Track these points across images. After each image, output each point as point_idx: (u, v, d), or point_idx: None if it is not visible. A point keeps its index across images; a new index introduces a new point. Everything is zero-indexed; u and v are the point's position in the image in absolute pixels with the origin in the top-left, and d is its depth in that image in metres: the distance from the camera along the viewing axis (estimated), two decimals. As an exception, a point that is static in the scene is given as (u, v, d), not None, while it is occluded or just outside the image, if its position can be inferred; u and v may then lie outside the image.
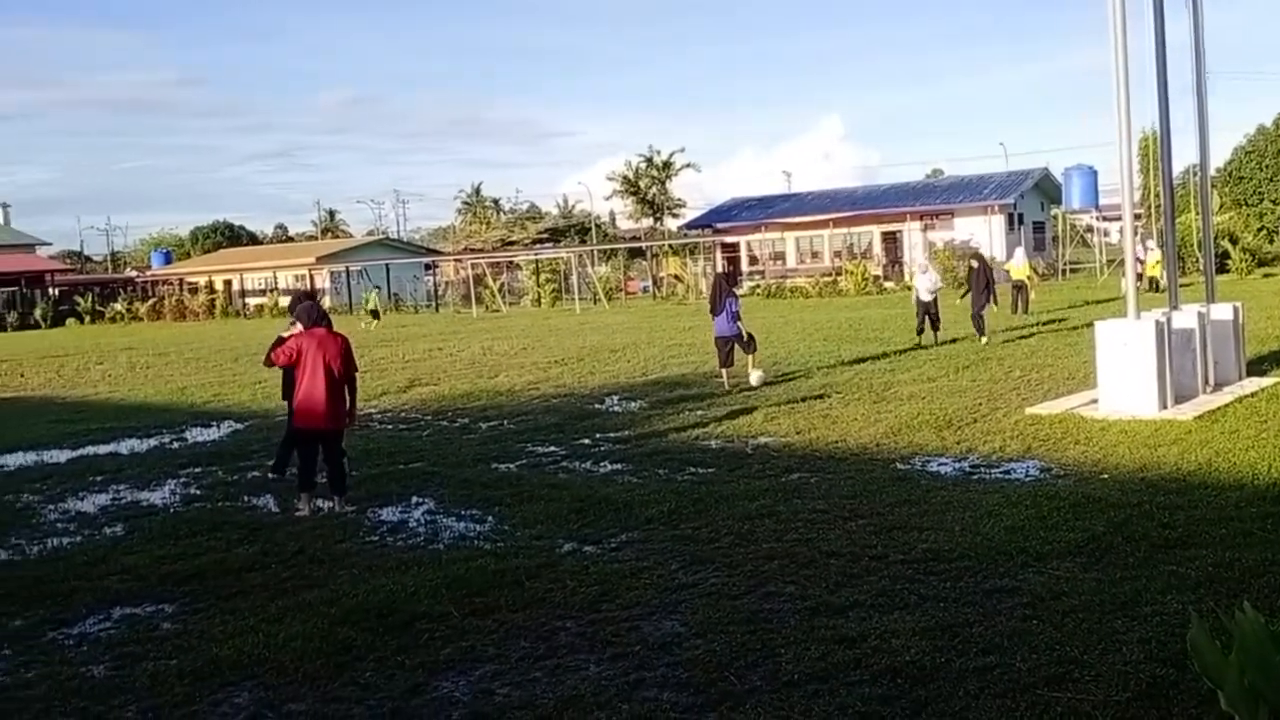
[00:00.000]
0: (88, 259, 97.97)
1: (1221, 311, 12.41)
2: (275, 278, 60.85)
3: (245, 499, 9.12)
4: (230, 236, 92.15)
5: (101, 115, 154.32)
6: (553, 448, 10.75)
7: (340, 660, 5.15)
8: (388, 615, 5.72)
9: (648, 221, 70.39)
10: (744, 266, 49.22)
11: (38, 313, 57.58)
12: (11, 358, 30.10)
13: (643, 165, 66.95)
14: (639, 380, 16.07)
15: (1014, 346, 17.62)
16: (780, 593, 5.81)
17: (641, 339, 23.81)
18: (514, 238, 70.46)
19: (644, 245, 62.04)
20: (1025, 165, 55.28)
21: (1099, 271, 40.02)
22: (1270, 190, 51.93)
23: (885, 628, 5.11)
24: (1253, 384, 11.97)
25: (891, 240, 47.45)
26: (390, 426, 12.81)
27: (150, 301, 59.59)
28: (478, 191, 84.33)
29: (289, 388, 8.74)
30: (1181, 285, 13.87)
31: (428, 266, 61.19)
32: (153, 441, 12.73)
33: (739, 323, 14.43)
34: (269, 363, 8.52)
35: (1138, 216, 31.62)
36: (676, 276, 49.35)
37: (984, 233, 44.08)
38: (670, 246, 55.95)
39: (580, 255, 50.44)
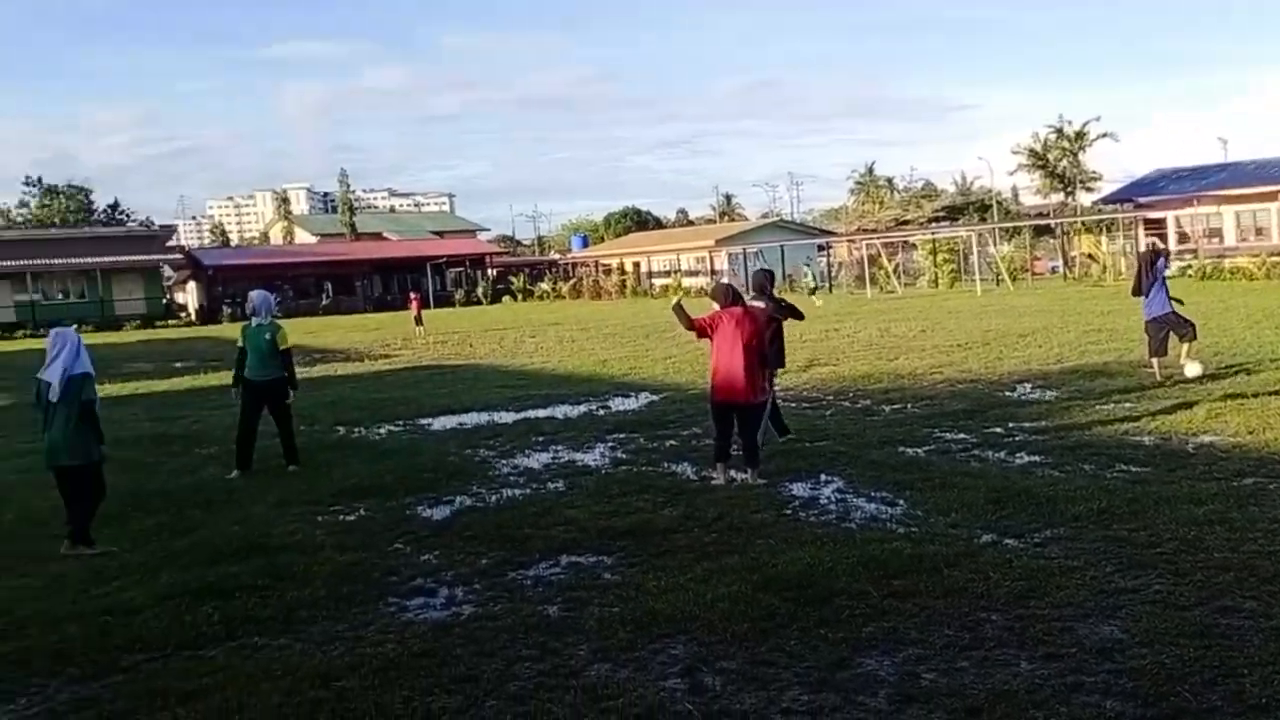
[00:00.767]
0: (518, 243, 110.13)
1: None
2: (678, 260, 64.41)
3: (665, 465, 9.77)
4: (638, 221, 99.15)
5: (527, 112, 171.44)
6: (962, 435, 10.41)
7: (764, 626, 5.38)
8: (806, 587, 5.87)
9: (1057, 197, 65.37)
10: (1172, 244, 44.27)
11: (479, 290, 66.27)
12: (462, 330, 35.03)
13: (1052, 136, 62.04)
14: (1053, 367, 15.07)
15: None
16: (1239, 608, 5.23)
17: (1053, 323, 22.27)
18: (908, 217, 68.75)
19: (1053, 222, 57.95)
20: None
21: None
22: None
23: (1381, 662, 4.44)
24: None
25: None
26: (793, 405, 13.07)
27: (571, 281, 66.00)
28: (871, 170, 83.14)
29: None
30: None
31: (821, 247, 61.44)
32: (582, 408, 13.99)
33: (1171, 304, 13.03)
34: (689, 325, 9.03)
35: None
36: (1091, 255, 45.68)
37: None
38: (1083, 223, 51.80)
39: (980, 234, 47.97)
